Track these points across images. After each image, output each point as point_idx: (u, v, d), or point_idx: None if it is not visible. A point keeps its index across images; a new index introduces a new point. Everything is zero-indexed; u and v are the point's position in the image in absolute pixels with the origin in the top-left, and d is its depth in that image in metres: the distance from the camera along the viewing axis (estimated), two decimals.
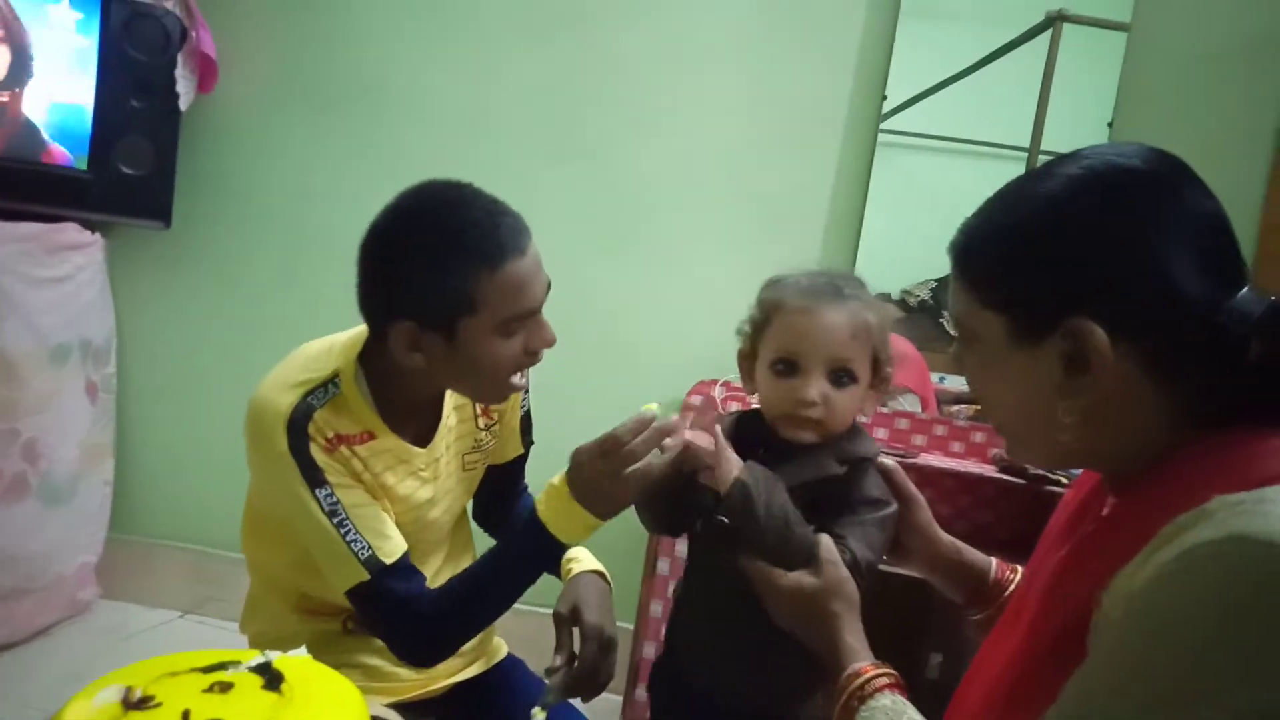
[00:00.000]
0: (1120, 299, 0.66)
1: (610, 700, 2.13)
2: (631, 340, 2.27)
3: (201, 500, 2.44)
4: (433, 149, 2.32)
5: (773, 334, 1.02)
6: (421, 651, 1.11)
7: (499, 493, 1.37)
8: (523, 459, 1.37)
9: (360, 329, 1.13)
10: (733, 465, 0.96)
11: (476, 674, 1.31)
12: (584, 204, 2.28)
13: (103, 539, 2.40)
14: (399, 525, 1.14)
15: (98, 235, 2.29)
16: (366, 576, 1.04)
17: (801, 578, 0.90)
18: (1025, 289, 0.70)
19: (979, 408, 2.16)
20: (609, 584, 1.25)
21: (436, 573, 1.27)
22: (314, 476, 1.04)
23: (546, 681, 1.10)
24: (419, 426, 1.16)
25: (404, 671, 1.22)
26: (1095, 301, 0.66)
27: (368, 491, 1.09)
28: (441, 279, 1.01)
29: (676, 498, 1.03)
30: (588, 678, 1.12)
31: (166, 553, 2.49)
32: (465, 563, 1.34)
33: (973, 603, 1.02)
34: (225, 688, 0.72)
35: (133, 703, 0.69)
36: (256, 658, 0.78)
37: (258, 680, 0.74)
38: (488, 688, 1.31)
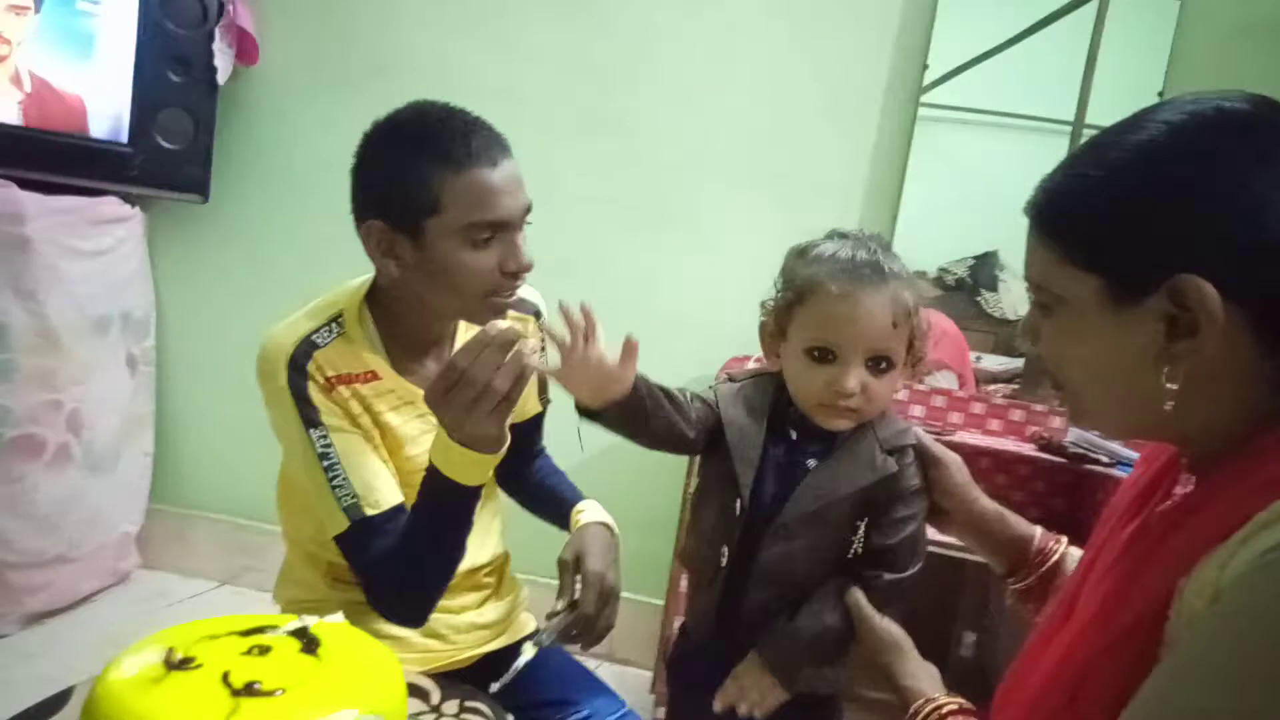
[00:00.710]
0: (1229, 254, 0.60)
1: (641, 676, 2.15)
2: (662, 316, 2.25)
3: (238, 472, 2.47)
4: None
5: (808, 318, 0.97)
6: (391, 610, 1.10)
7: (516, 451, 1.33)
8: (540, 416, 1.36)
9: (367, 275, 1.15)
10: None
11: (502, 647, 1.31)
12: (614, 178, 2.27)
13: (143, 509, 2.45)
14: (408, 472, 1.12)
15: (137, 209, 2.32)
16: (346, 525, 1.05)
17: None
18: (1124, 244, 0.64)
19: (1016, 386, 2.12)
20: (615, 537, 1.23)
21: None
22: (309, 416, 1.05)
23: (545, 620, 1.09)
24: (428, 368, 1.16)
25: (432, 643, 1.22)
26: (1202, 257, 0.60)
27: (365, 437, 1.09)
28: (408, 175, 1.03)
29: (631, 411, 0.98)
30: (587, 624, 1.11)
31: (205, 523, 2.54)
32: (493, 526, 1.33)
33: (1013, 570, 0.99)
34: (264, 651, 0.73)
35: (174, 663, 0.70)
36: (294, 622, 0.78)
37: (295, 644, 0.75)
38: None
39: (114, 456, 2.31)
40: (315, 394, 1.06)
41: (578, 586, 1.14)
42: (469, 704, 0.95)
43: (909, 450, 1.01)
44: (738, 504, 1.00)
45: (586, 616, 1.11)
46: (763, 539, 0.99)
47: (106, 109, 2.17)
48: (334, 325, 1.10)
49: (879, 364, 0.97)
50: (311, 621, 0.79)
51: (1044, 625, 0.81)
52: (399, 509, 1.08)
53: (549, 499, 1.35)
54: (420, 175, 1.03)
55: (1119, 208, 0.64)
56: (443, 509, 1.03)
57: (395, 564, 1.06)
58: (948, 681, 0.89)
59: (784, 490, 1.00)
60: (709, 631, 1.06)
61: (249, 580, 2.49)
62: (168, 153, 2.23)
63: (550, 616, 1.11)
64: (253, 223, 2.44)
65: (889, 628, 0.90)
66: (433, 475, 1.00)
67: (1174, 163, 0.62)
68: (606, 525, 1.25)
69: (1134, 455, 1.82)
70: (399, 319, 1.13)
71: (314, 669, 0.72)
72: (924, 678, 0.83)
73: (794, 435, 1.01)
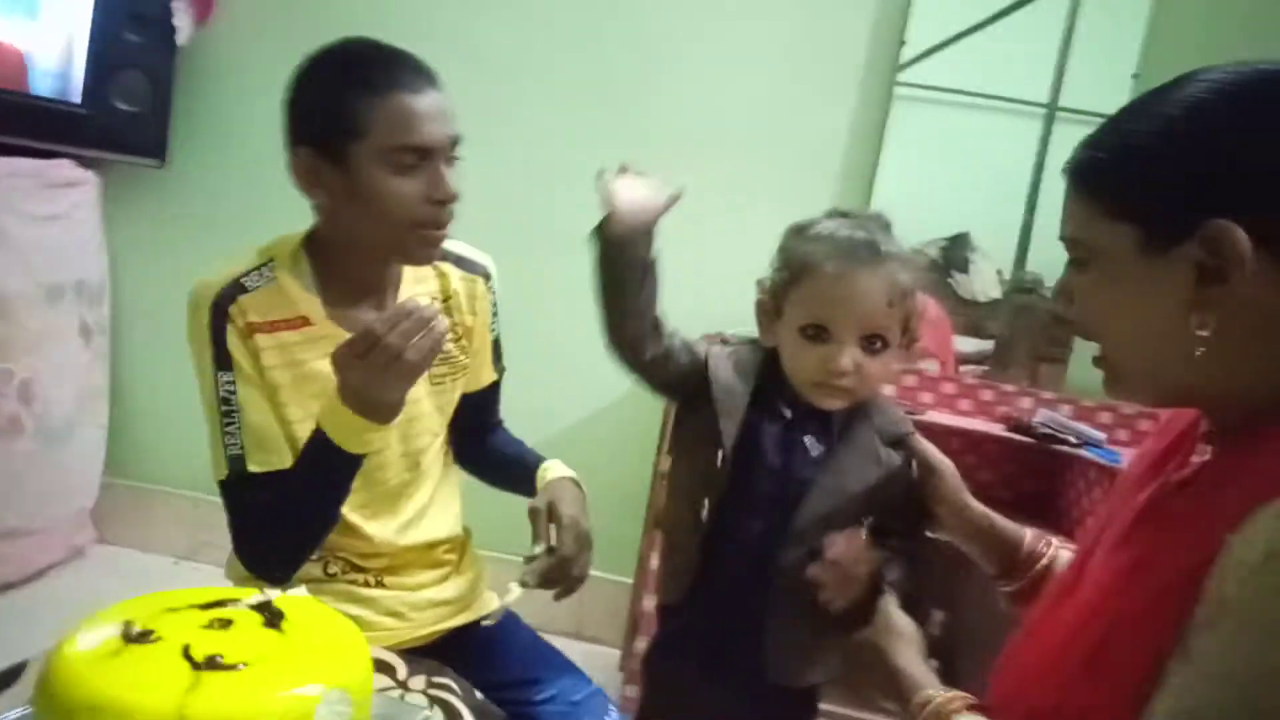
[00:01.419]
0: (1262, 201, 0.62)
1: (610, 654, 2.14)
2: None
3: (197, 446, 2.38)
4: (455, 89, 2.25)
5: (803, 296, 0.97)
6: (256, 564, 1.11)
7: (474, 422, 1.32)
8: (496, 386, 1.34)
9: (308, 226, 1.15)
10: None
11: (464, 623, 1.29)
12: (602, 151, 2.23)
13: (98, 483, 2.39)
14: None
15: (91, 172, 2.24)
16: (226, 473, 1.07)
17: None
18: (1160, 192, 0.66)
19: (986, 368, 2.14)
20: (583, 491, 1.22)
21: (414, 519, 1.23)
22: (221, 359, 1.07)
23: (524, 564, 1.07)
24: (365, 315, 1.12)
25: (387, 620, 1.19)
26: (1235, 203, 0.62)
27: (271, 391, 1.09)
28: (331, 99, 1.05)
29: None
30: (565, 566, 1.09)
31: (162, 498, 2.48)
32: (449, 514, 1.30)
33: (1004, 574, 0.99)
34: (225, 624, 0.71)
35: (132, 636, 0.67)
36: (256, 595, 0.76)
37: (258, 618, 0.73)
38: (484, 638, 1.28)
39: (68, 428, 2.25)
40: (232, 338, 1.07)
41: (553, 532, 1.12)
42: (436, 679, 0.94)
43: (909, 441, 1.01)
44: (719, 455, 0.99)
45: (565, 559, 1.09)
46: (781, 546, 0.98)
47: (57, 67, 2.08)
48: (265, 269, 1.10)
49: (873, 343, 0.96)
50: (274, 595, 0.77)
51: (1046, 599, 0.81)
52: (283, 477, 1.08)
53: (511, 464, 1.32)
54: (343, 99, 1.04)
55: (1156, 157, 0.66)
56: (323, 474, 1.05)
57: (268, 520, 1.08)
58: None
59: (788, 465, 0.99)
60: (685, 596, 1.04)
61: (208, 556, 2.44)
62: (124, 114, 2.15)
63: (528, 560, 1.08)
64: (212, 188, 2.37)
65: (903, 615, 0.90)
66: (318, 440, 1.01)
67: (1212, 112, 0.65)
68: (574, 480, 1.22)
69: (1100, 435, 1.85)
70: (335, 262, 1.13)
71: (277, 643, 0.70)
72: (926, 671, 0.82)
73: (789, 414, 1.00)
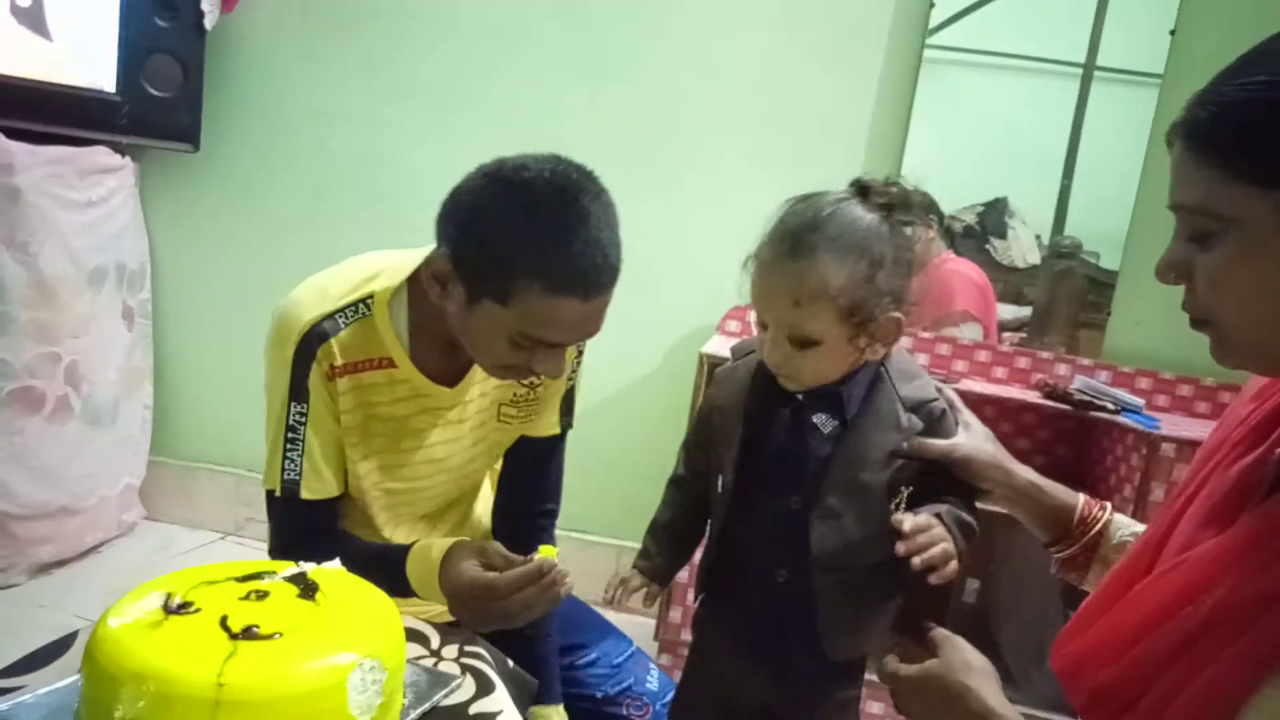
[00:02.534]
0: None
1: (645, 624, 2.16)
2: (664, 265, 2.23)
3: (239, 424, 2.47)
4: (460, 66, 2.26)
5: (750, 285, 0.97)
6: None
7: (520, 476, 1.27)
8: (558, 440, 1.26)
9: (420, 251, 1.08)
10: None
11: None
12: (613, 122, 2.22)
13: (145, 462, 2.46)
14: (401, 464, 1.12)
15: (128, 159, 2.28)
16: (278, 489, 1.07)
17: (928, 665, 0.81)
18: None
19: (1024, 335, 2.10)
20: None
21: (463, 518, 1.25)
22: (298, 391, 1.05)
23: None
24: (450, 364, 1.12)
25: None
26: None
27: (342, 433, 1.08)
28: (501, 259, 0.94)
29: None
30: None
31: (207, 476, 2.54)
32: (490, 499, 1.32)
33: (1056, 540, 0.97)
34: (261, 596, 0.73)
35: (172, 608, 0.69)
36: (291, 568, 0.78)
37: (293, 589, 0.75)
38: None
39: (113, 409, 2.31)
40: (314, 378, 1.05)
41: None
42: (468, 648, 0.95)
43: (934, 406, 0.99)
44: (719, 482, 1.03)
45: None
46: (808, 523, 0.98)
47: (92, 55, 2.12)
48: (362, 305, 1.06)
49: (797, 342, 0.93)
50: (309, 568, 0.79)
51: (1123, 571, 0.76)
52: (335, 501, 1.10)
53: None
54: (511, 265, 0.93)
55: None
56: (386, 580, 0.97)
57: (312, 547, 1.02)
58: (952, 628, 0.87)
59: (795, 446, 0.99)
60: (715, 585, 1.08)
61: (252, 531, 2.51)
62: (157, 100, 2.18)
63: None
64: (245, 171, 2.40)
65: (973, 651, 0.84)
66: (397, 570, 1.02)
67: None
68: None
69: (1138, 401, 1.81)
70: (432, 317, 1.06)
71: (312, 613, 0.72)
72: (1012, 712, 0.75)
73: (800, 396, 0.99)
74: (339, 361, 1.05)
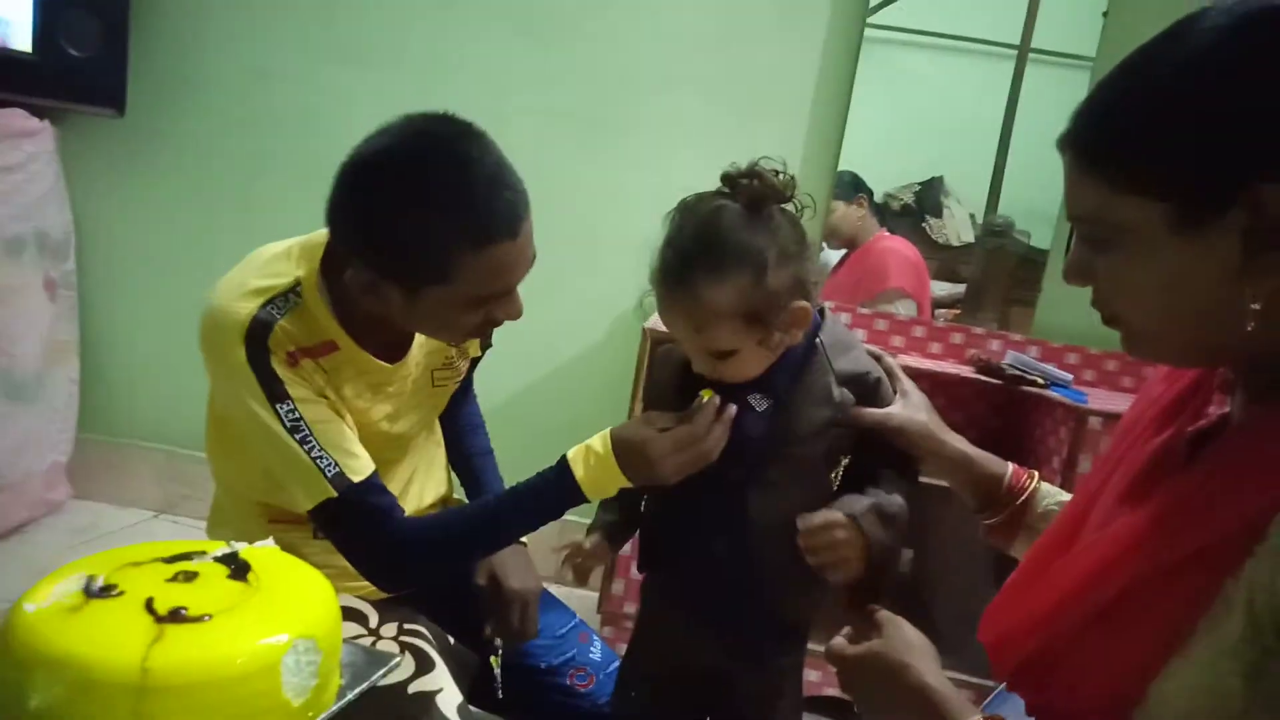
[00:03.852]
0: None
1: (589, 597, 2.18)
2: (607, 232, 2.22)
3: (171, 399, 2.40)
4: (402, 26, 2.21)
5: None
6: (392, 572, 1.08)
7: (454, 401, 1.32)
8: (477, 360, 1.32)
9: (321, 233, 1.05)
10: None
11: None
12: (557, 87, 2.19)
13: (71, 438, 2.37)
14: (360, 440, 1.10)
15: (46, 123, 2.17)
16: (334, 494, 0.99)
17: (871, 644, 0.81)
18: (1189, 161, 0.59)
19: (958, 311, 2.15)
20: (524, 543, 1.27)
21: (404, 489, 1.24)
22: (274, 391, 0.98)
23: (497, 643, 1.22)
24: (386, 339, 1.10)
25: None
26: (1275, 161, 0.57)
27: (334, 405, 1.04)
28: (420, 244, 0.93)
29: None
30: (516, 635, 1.21)
31: (137, 452, 2.47)
32: (435, 477, 1.32)
33: (985, 507, 0.99)
34: (190, 577, 0.72)
35: (94, 591, 0.67)
36: (222, 548, 0.76)
37: (223, 570, 0.73)
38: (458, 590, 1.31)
39: (37, 384, 2.22)
40: (280, 369, 0.99)
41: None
42: (408, 626, 0.95)
43: (868, 376, 1.01)
44: None
45: (515, 631, 1.20)
46: (747, 496, 1.00)
47: (5, 10, 2.01)
48: (291, 294, 1.01)
49: (714, 355, 0.96)
50: (240, 547, 0.77)
51: (1046, 546, 0.78)
52: (377, 475, 1.05)
53: (472, 481, 1.36)
54: (433, 247, 0.93)
55: (1178, 123, 0.59)
56: (548, 509, 1.04)
57: (431, 534, 1.08)
58: (888, 598, 0.90)
59: (736, 424, 0.99)
60: (653, 585, 1.12)
61: (187, 509, 2.44)
62: (77, 61, 2.07)
63: (489, 638, 1.21)
64: (175, 136, 2.31)
65: (914, 631, 0.84)
66: (566, 484, 1.00)
67: (1232, 66, 0.58)
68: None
69: (1067, 376, 1.87)
70: (383, 312, 1.03)
71: (243, 594, 0.71)
72: (953, 690, 0.75)
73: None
74: (292, 348, 1.00)
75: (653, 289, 0.97)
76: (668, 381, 1.07)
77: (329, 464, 0.99)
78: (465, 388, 1.36)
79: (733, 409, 0.97)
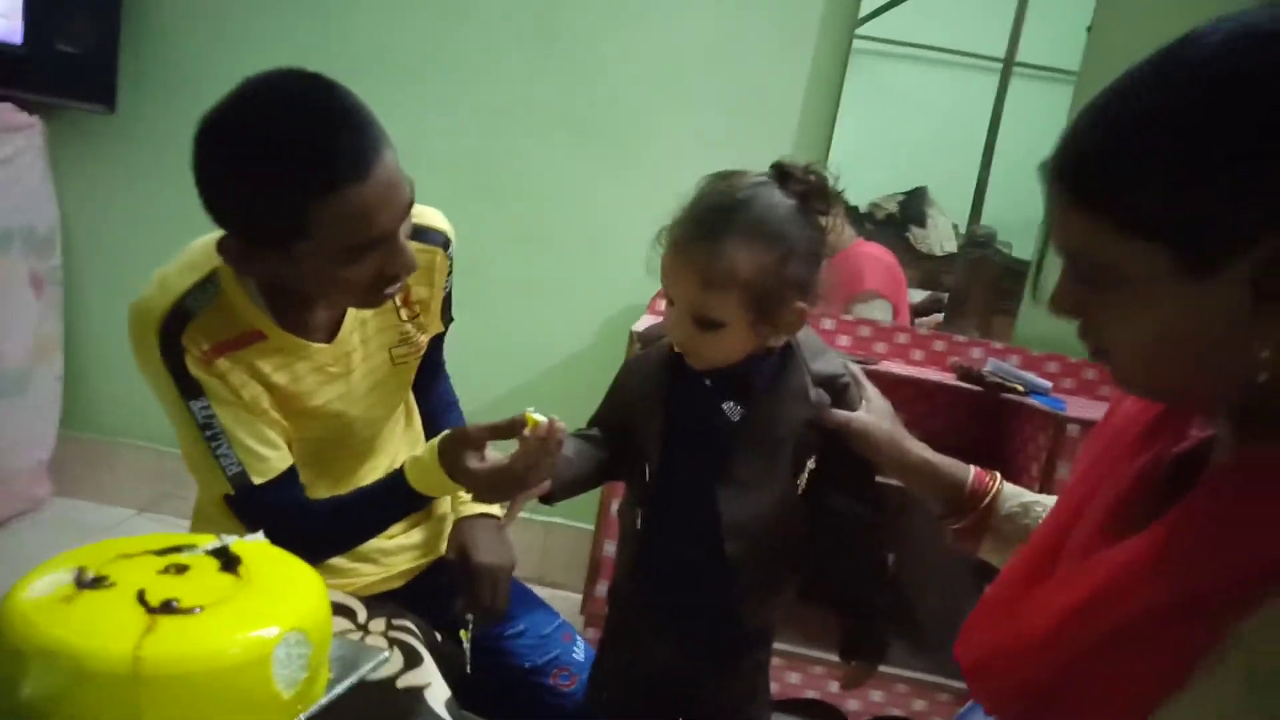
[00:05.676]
0: None
1: (572, 598, 2.19)
2: (598, 238, 2.23)
3: (155, 397, 2.39)
4: (401, 34, 2.22)
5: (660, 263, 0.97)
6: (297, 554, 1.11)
7: (422, 380, 1.32)
8: (441, 336, 1.30)
9: None
10: None
11: (434, 560, 1.32)
12: (553, 95, 2.21)
13: (54, 435, 2.36)
14: (314, 429, 1.12)
15: (36, 118, 2.17)
16: (230, 491, 1.03)
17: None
18: (1196, 207, 0.54)
19: (941, 318, 2.18)
20: (498, 517, 1.28)
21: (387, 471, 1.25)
22: (188, 388, 1.00)
23: (468, 618, 1.21)
24: (320, 320, 1.09)
25: (363, 566, 1.23)
26: None
27: (249, 405, 1.04)
28: (265, 201, 0.91)
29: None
30: (486, 612, 1.21)
31: (121, 450, 2.46)
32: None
33: (950, 512, 0.99)
34: (181, 570, 0.72)
35: (86, 582, 0.68)
36: (212, 542, 0.77)
37: (214, 563, 0.74)
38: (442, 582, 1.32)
39: (21, 380, 2.21)
40: (193, 367, 1.00)
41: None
42: (396, 621, 0.96)
43: (840, 380, 1.02)
44: (645, 470, 1.04)
45: (484, 608, 1.21)
46: (716, 493, 1.00)
47: None
48: (209, 284, 1.01)
49: (701, 323, 0.94)
50: (231, 540, 0.78)
51: (1026, 561, 0.75)
52: (288, 473, 1.07)
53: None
54: (278, 201, 0.90)
55: (1184, 166, 0.54)
56: (396, 508, 1.10)
57: (310, 526, 1.08)
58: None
59: (709, 435, 1.00)
60: (627, 589, 1.11)
61: (170, 508, 2.43)
62: (68, 57, 2.07)
63: (460, 613, 1.21)
64: (165, 134, 2.29)
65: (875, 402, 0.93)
66: (401, 486, 1.04)
67: (1242, 105, 0.53)
68: (486, 514, 1.28)
69: (1046, 384, 1.90)
70: (278, 282, 1.03)
71: (234, 587, 0.71)
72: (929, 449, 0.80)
73: (708, 383, 1.01)
74: (206, 346, 1.00)
75: (667, 239, 0.95)
76: (649, 393, 1.05)
77: (231, 463, 1.03)
78: (435, 368, 1.35)
79: (562, 432, 0.95)
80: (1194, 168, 0.54)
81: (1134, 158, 0.56)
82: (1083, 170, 0.60)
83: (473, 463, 0.99)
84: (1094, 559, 0.66)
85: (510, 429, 0.97)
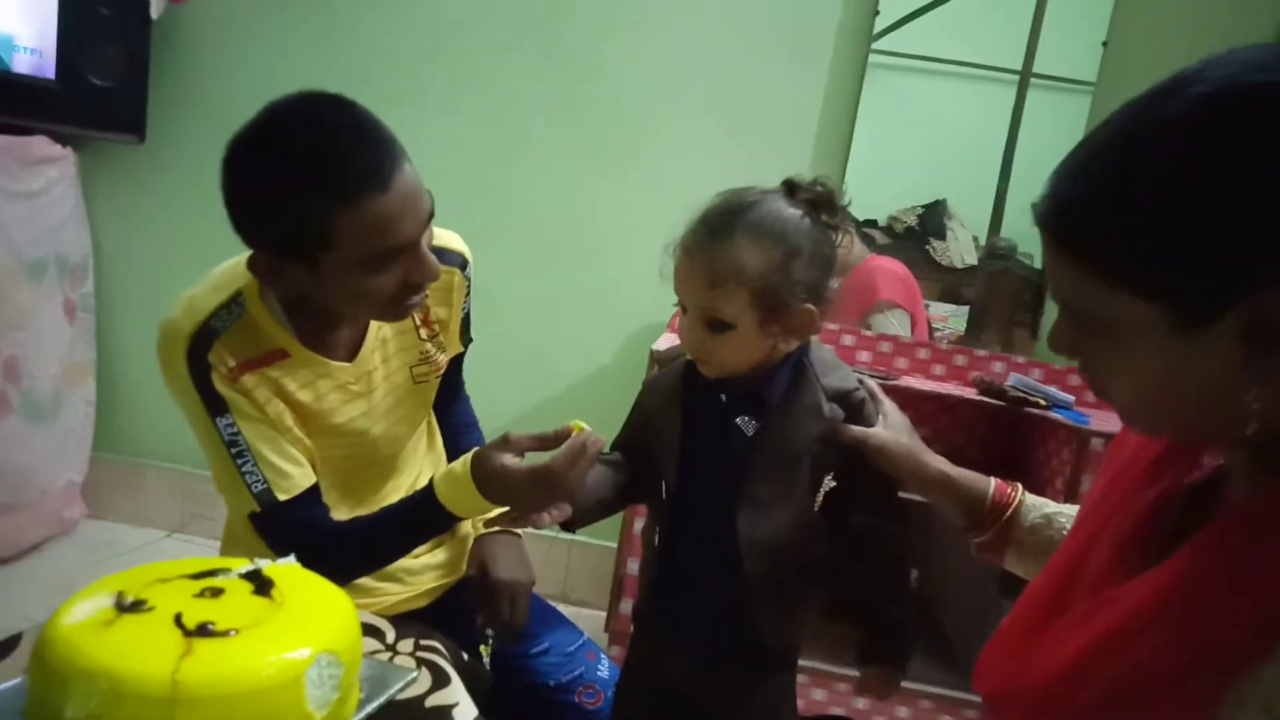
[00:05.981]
0: None
1: (596, 616, 2.20)
2: (617, 257, 2.25)
3: (184, 420, 2.43)
4: (416, 57, 2.26)
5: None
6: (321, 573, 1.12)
7: (443, 400, 1.34)
8: (460, 357, 1.33)
9: None
10: None
11: (453, 583, 1.33)
12: (569, 114, 2.24)
13: (87, 458, 2.41)
14: (337, 448, 1.13)
15: (69, 149, 2.23)
16: (257, 508, 1.05)
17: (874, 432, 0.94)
18: (1185, 263, 0.54)
19: (962, 333, 2.17)
20: (518, 534, 1.29)
21: (410, 491, 1.26)
22: (214, 405, 1.03)
23: (488, 633, 1.23)
24: (342, 338, 1.12)
25: (388, 585, 1.24)
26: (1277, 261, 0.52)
27: (274, 422, 1.06)
28: (290, 213, 0.94)
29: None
30: (506, 628, 1.23)
31: (152, 472, 2.50)
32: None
33: (973, 525, 0.99)
34: (216, 593, 0.74)
35: (125, 606, 0.70)
36: (246, 565, 0.79)
37: (248, 586, 0.76)
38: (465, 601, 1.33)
39: (55, 405, 2.26)
40: (219, 384, 1.03)
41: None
42: (424, 642, 0.97)
43: (855, 395, 1.02)
44: (663, 487, 1.05)
45: (503, 623, 1.22)
46: (734, 512, 1.01)
47: (30, 43, 2.06)
48: (234, 305, 1.04)
49: (711, 325, 0.96)
50: (264, 564, 0.80)
51: (1038, 594, 0.75)
52: (312, 491, 1.09)
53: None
54: (303, 213, 0.94)
55: (1171, 224, 0.54)
56: (423, 525, 1.09)
57: (336, 548, 1.08)
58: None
59: (725, 452, 1.01)
60: (649, 609, 1.12)
61: (199, 529, 2.48)
62: (100, 90, 2.13)
63: (479, 629, 1.23)
64: (194, 164, 2.35)
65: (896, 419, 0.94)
66: (432, 504, 1.05)
67: (1228, 160, 0.52)
68: (506, 530, 1.29)
69: (1069, 398, 1.89)
70: (303, 299, 1.06)
71: (267, 610, 0.72)
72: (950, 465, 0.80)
73: (724, 398, 1.02)
74: (232, 363, 1.03)
75: (678, 249, 0.98)
76: (666, 411, 1.07)
77: (257, 480, 1.04)
78: (454, 388, 1.37)
79: (600, 442, 0.98)
80: (1178, 226, 0.54)
81: (1118, 215, 0.56)
82: (1068, 224, 0.59)
83: (509, 460, 0.99)
84: (1107, 595, 0.65)
85: (555, 440, 0.98)
